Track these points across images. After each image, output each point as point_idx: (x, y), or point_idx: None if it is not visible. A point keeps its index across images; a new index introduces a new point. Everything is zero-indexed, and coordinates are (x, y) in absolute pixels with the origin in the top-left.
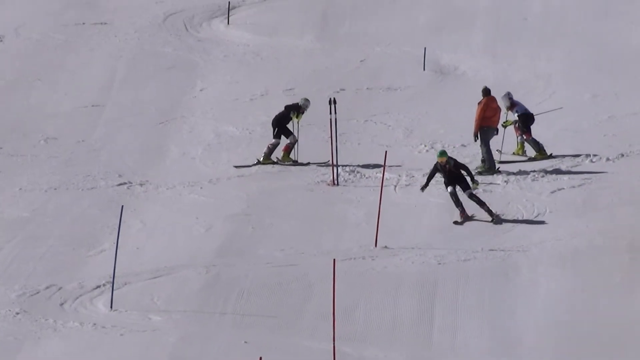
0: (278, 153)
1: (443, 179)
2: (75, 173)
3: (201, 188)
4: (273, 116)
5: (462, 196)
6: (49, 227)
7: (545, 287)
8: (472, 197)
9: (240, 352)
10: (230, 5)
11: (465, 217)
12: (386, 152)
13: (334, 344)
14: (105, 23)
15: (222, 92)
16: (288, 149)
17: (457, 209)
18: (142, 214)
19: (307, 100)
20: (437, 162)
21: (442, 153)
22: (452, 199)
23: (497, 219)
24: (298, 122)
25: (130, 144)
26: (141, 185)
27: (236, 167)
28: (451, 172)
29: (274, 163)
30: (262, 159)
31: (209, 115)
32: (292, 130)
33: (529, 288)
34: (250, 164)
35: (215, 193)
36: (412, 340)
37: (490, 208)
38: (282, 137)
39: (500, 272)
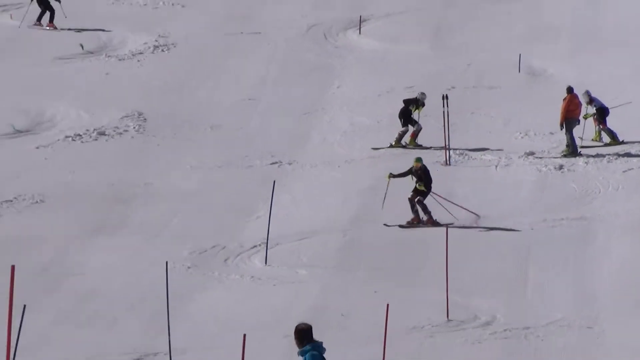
0: (406, 139)
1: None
2: (236, 154)
3: (338, 167)
4: (397, 109)
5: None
6: (215, 198)
7: (618, 252)
8: (420, 202)
9: (371, 300)
10: (362, 19)
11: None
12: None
13: (447, 294)
14: (259, 33)
15: (355, 89)
16: (414, 135)
17: (415, 214)
18: (290, 188)
19: (423, 93)
20: (413, 166)
21: (418, 159)
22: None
23: (435, 224)
24: (418, 114)
25: (280, 131)
26: (289, 164)
27: (374, 149)
28: (420, 176)
29: (403, 147)
30: (393, 143)
31: (345, 108)
32: (417, 120)
33: (604, 252)
34: (385, 146)
35: (350, 171)
36: (509, 293)
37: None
38: (409, 125)
39: (581, 238)
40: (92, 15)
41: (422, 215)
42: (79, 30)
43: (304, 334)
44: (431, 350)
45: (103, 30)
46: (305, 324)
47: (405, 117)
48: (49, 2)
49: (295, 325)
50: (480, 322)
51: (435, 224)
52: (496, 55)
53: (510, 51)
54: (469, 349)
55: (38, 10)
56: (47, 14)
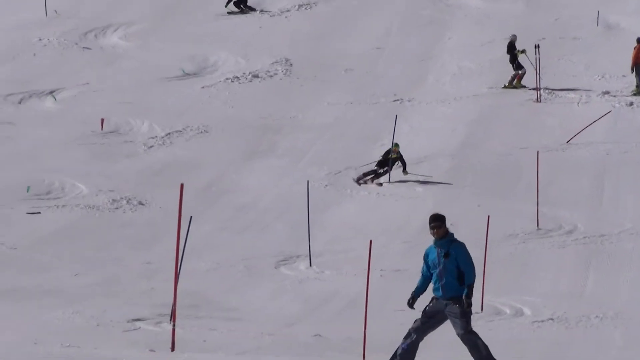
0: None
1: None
2: (364, 93)
3: (448, 103)
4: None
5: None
6: (347, 129)
7: None
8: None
9: (475, 212)
10: None
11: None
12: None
13: (537, 207)
14: None
15: (462, 40)
16: (520, 78)
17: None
18: (409, 121)
19: (514, 35)
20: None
21: (396, 145)
22: (371, 175)
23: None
24: (526, 57)
25: (401, 74)
26: (409, 101)
27: (490, 88)
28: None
29: (514, 87)
30: (507, 84)
31: (454, 55)
32: (522, 65)
33: None
34: (502, 86)
35: (457, 107)
36: (588, 206)
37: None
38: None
39: None
40: None
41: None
42: None
43: (445, 219)
44: (524, 253)
45: None
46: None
47: (514, 61)
48: None
49: (439, 215)
50: (564, 231)
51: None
52: (579, 12)
53: (591, 8)
54: (555, 253)
55: None
56: None
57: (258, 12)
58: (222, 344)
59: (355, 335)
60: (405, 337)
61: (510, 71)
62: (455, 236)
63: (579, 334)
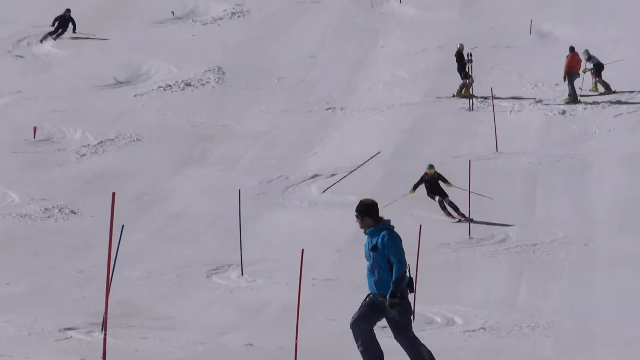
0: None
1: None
2: (297, 101)
3: (382, 112)
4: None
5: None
6: (280, 137)
7: (611, 179)
8: (450, 204)
9: (408, 221)
10: None
11: (452, 217)
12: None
13: (469, 215)
14: (318, 1)
15: (396, 48)
16: (468, 87)
17: (445, 211)
18: (341, 129)
19: (461, 44)
20: (426, 173)
21: (431, 166)
22: (440, 206)
23: (465, 219)
24: (471, 66)
25: (334, 82)
26: (341, 109)
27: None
28: (432, 181)
29: (463, 97)
30: (455, 93)
31: (387, 63)
32: (470, 74)
33: (599, 180)
34: (451, 95)
35: (390, 115)
36: (520, 215)
37: (461, 212)
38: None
39: (580, 170)
40: None
41: (454, 213)
42: None
43: (376, 209)
44: (456, 262)
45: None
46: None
47: (461, 69)
48: None
49: (363, 202)
50: (496, 240)
51: (465, 217)
52: (512, 20)
53: (524, 16)
54: (487, 262)
55: None
56: None
57: (191, 21)
58: (153, 353)
59: (288, 344)
60: (356, 338)
61: (458, 80)
62: None
63: (510, 343)
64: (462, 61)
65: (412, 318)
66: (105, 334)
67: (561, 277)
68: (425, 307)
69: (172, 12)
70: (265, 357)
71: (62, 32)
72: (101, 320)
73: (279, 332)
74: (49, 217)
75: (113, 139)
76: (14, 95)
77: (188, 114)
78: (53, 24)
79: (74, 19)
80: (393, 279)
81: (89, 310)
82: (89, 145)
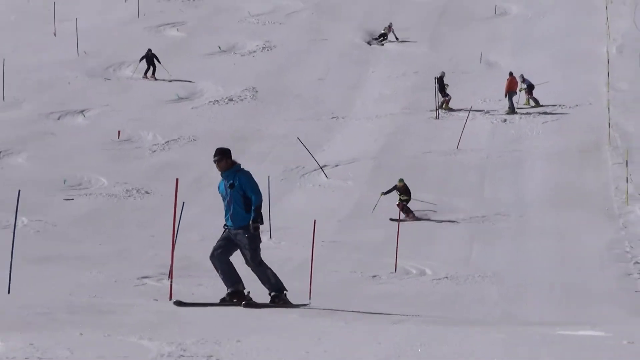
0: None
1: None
2: (310, 112)
3: (372, 120)
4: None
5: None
6: (297, 138)
7: (539, 170)
8: (407, 208)
9: (391, 200)
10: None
11: (412, 218)
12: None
13: (435, 195)
14: (326, 39)
15: (382, 73)
16: (447, 102)
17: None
18: (342, 133)
19: (443, 72)
20: (397, 185)
21: (401, 180)
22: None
23: (415, 219)
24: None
25: (337, 98)
26: (342, 118)
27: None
28: (401, 190)
29: (444, 110)
30: (439, 106)
31: (376, 84)
32: (448, 93)
33: (531, 170)
34: (433, 109)
35: (379, 123)
36: (473, 196)
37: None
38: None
39: (517, 163)
40: (226, 29)
41: (404, 216)
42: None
43: (230, 154)
44: (427, 228)
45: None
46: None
47: (442, 89)
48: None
49: (221, 148)
50: (455, 212)
51: (416, 218)
52: (467, 53)
53: (476, 50)
54: (449, 229)
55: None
56: None
57: (232, 53)
58: (206, 295)
59: (304, 287)
60: (216, 268)
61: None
62: (374, 216)
63: (466, 289)
64: (442, 84)
65: (260, 246)
66: (171, 281)
67: (503, 241)
68: (404, 262)
69: (219, 47)
70: (288, 297)
71: (151, 68)
72: (168, 271)
73: (298, 279)
74: (129, 196)
75: (176, 139)
76: (104, 107)
77: (230, 122)
78: (140, 61)
79: (156, 55)
80: (253, 207)
81: (159, 264)
82: (158, 144)
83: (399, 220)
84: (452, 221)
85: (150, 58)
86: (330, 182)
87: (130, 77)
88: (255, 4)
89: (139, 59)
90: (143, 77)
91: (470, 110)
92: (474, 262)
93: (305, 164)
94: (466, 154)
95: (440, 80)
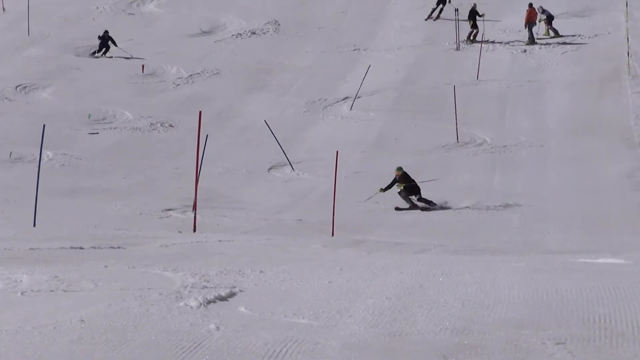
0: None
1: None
2: (333, 44)
3: (393, 51)
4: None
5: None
6: (321, 69)
7: (558, 100)
8: (421, 199)
9: (412, 130)
10: None
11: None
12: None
13: (456, 125)
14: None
15: (403, 5)
16: (475, 35)
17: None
18: (365, 65)
19: (475, 3)
20: (395, 175)
21: (399, 168)
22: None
23: (434, 206)
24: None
25: (359, 30)
26: (364, 50)
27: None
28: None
29: (471, 42)
30: (466, 39)
31: (397, 16)
32: (477, 26)
33: (551, 100)
34: (463, 40)
35: (400, 54)
36: (494, 125)
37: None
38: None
39: (537, 92)
40: None
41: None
42: None
43: None
44: (448, 160)
45: None
46: None
47: (473, 20)
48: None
49: None
50: (476, 143)
51: (416, 207)
52: None
53: None
54: (470, 159)
55: None
56: None
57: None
58: (230, 226)
59: (327, 219)
60: None
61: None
62: (398, 148)
63: (488, 217)
64: (473, 15)
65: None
66: (195, 213)
67: (524, 170)
68: (426, 193)
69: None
70: (311, 229)
71: (106, 50)
72: (192, 203)
73: (320, 211)
74: (153, 129)
75: (199, 73)
76: (127, 42)
77: (253, 55)
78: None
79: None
80: None
81: (183, 196)
82: (182, 77)
83: (408, 209)
84: (473, 151)
85: (105, 39)
86: (353, 114)
87: (153, 11)
88: None
89: (97, 37)
90: (91, 55)
91: (484, 42)
92: (495, 191)
93: (327, 95)
94: (487, 84)
95: (472, 11)
